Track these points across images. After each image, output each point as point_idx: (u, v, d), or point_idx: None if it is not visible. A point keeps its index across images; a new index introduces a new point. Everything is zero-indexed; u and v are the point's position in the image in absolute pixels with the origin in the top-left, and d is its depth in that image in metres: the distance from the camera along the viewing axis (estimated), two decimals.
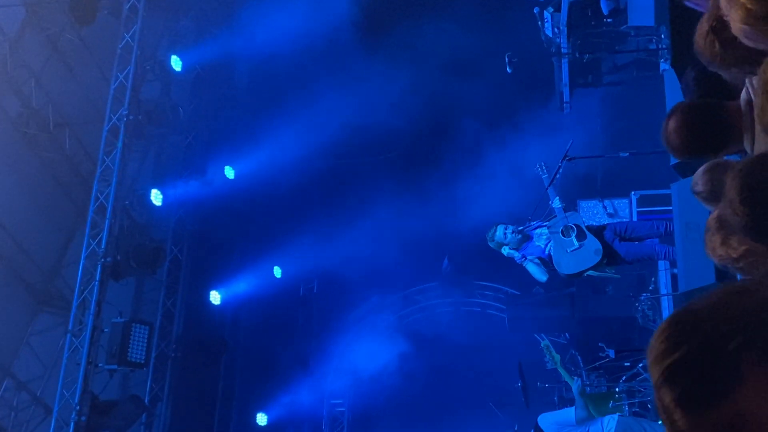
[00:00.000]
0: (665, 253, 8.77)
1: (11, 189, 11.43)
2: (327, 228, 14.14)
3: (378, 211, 13.45)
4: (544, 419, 8.53)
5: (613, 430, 8.22)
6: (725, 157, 4.08)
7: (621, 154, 9.85)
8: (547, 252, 9.07)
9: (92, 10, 11.83)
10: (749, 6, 2.53)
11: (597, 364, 10.93)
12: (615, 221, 10.70)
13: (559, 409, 10.04)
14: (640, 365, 10.88)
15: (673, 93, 7.26)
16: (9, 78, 11.53)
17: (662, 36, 11.42)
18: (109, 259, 11.71)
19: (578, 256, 8.85)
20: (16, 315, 12.17)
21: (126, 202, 12.62)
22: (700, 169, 4.16)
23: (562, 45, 12.20)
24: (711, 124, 3.58)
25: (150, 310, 13.95)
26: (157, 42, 13.74)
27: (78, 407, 11.12)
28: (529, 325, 12.56)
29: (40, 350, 12.43)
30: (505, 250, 9.26)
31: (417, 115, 13.94)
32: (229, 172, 14.35)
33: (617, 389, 10.50)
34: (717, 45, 3.07)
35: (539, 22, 12.24)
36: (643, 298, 10.75)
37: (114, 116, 12.21)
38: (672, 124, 3.63)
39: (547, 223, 9.10)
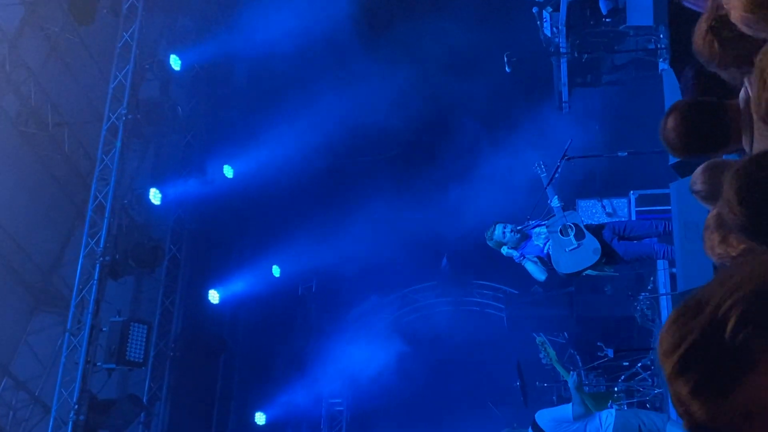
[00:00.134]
0: (664, 252, 8.77)
1: (10, 188, 11.41)
2: (326, 227, 14.13)
3: (377, 211, 13.45)
4: (542, 416, 8.52)
5: (612, 425, 8.22)
6: (724, 157, 4.08)
7: (620, 153, 9.84)
8: (545, 251, 9.07)
9: (91, 9, 11.82)
10: None
11: (596, 363, 10.94)
12: (614, 220, 10.71)
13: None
14: (639, 365, 10.89)
15: (672, 93, 7.26)
16: (8, 77, 11.51)
17: (661, 36, 11.43)
18: (107, 258, 11.70)
19: (577, 256, 8.85)
20: (15, 314, 12.16)
21: (125, 201, 12.62)
22: (699, 168, 4.17)
23: (560, 44, 12.21)
24: (710, 122, 3.58)
25: (148, 309, 13.95)
26: (156, 41, 13.74)
27: (76, 406, 11.12)
28: (527, 324, 12.55)
29: (38, 349, 12.42)
30: (504, 249, 9.26)
31: (416, 114, 13.95)
32: (228, 171, 14.35)
33: (616, 389, 10.52)
34: (716, 45, 3.08)
35: (538, 22, 12.25)
36: (641, 297, 10.75)
37: (113, 115, 12.21)
38: (671, 122, 3.63)
39: (545, 222, 9.09)
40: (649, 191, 11.07)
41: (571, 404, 8.45)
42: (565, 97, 12.65)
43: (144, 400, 13.08)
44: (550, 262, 9.03)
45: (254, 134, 14.20)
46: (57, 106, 12.32)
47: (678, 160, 6.98)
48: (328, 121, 13.68)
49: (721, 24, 3.05)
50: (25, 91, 11.89)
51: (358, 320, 15.09)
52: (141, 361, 12.02)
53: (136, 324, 11.92)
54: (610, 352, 10.66)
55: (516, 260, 9.31)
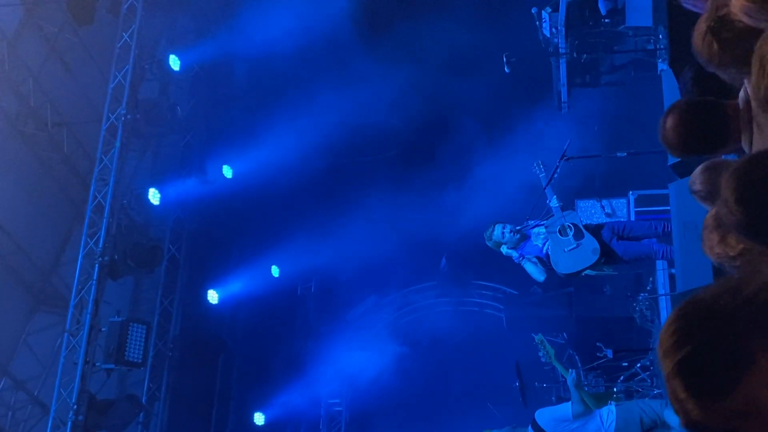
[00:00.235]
0: (663, 252, 8.77)
1: (9, 188, 11.41)
2: (325, 227, 14.13)
3: (376, 211, 13.46)
4: (542, 415, 8.52)
5: (614, 422, 8.23)
6: (723, 157, 4.08)
7: (619, 153, 9.85)
8: (544, 251, 9.07)
9: (90, 9, 11.82)
10: None
11: (595, 364, 10.95)
12: (613, 220, 10.72)
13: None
14: (638, 365, 10.89)
15: (671, 93, 7.26)
16: (7, 77, 11.51)
17: (660, 36, 11.44)
18: (106, 258, 11.70)
19: (576, 256, 8.85)
20: (14, 314, 12.15)
21: (124, 202, 12.61)
22: (698, 169, 4.17)
23: (560, 45, 12.21)
24: (709, 122, 3.58)
25: (147, 309, 13.94)
26: (155, 41, 13.73)
27: (75, 406, 11.12)
28: (527, 324, 12.54)
29: (37, 349, 12.41)
30: (504, 249, 9.26)
31: (415, 114, 13.96)
32: (228, 172, 14.34)
33: (615, 389, 10.51)
34: (715, 45, 3.08)
35: (537, 22, 12.25)
36: (641, 298, 10.75)
37: (112, 115, 12.21)
38: (670, 121, 3.63)
39: (544, 222, 9.10)
40: (648, 192, 11.08)
41: (570, 403, 8.45)
42: (564, 97, 12.65)
43: (143, 401, 13.07)
44: (549, 262, 9.03)
45: (253, 134, 14.20)
46: (56, 106, 12.32)
47: (677, 160, 6.99)
48: (327, 121, 13.69)
49: (720, 24, 3.05)
50: (25, 91, 11.89)
51: (357, 320, 15.09)
52: (140, 361, 12.01)
53: (135, 324, 11.92)
54: (610, 353, 10.68)
55: (515, 261, 9.31)
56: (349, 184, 14.57)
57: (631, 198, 11.18)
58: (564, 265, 8.95)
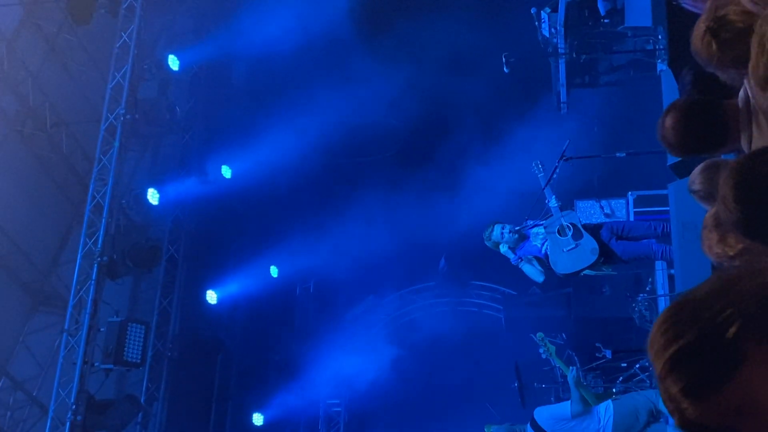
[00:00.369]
0: (662, 252, 8.77)
1: (8, 188, 11.41)
2: (324, 227, 14.13)
3: (375, 211, 13.46)
4: (540, 413, 8.53)
5: (612, 418, 8.24)
6: (722, 156, 4.09)
7: (618, 154, 9.84)
8: (543, 251, 9.07)
9: (89, 9, 11.81)
10: None
11: (594, 364, 10.95)
12: (612, 220, 10.71)
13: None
14: (637, 366, 10.89)
15: (670, 93, 7.26)
16: (6, 77, 11.51)
17: (659, 36, 11.43)
18: (105, 258, 11.69)
19: (575, 256, 8.85)
20: (12, 314, 12.15)
21: (123, 201, 12.61)
22: (697, 168, 4.17)
23: (559, 45, 12.21)
24: (708, 121, 3.58)
25: (146, 309, 13.93)
26: (154, 41, 13.73)
27: (74, 407, 11.10)
28: (525, 325, 12.53)
29: (36, 349, 12.41)
30: (502, 248, 9.25)
31: (414, 114, 13.95)
32: (227, 172, 14.34)
33: (614, 390, 10.51)
34: (714, 45, 3.08)
35: (536, 23, 12.25)
36: (640, 298, 10.76)
37: (111, 115, 12.20)
38: (669, 121, 3.63)
39: (543, 222, 9.09)
40: (647, 192, 11.08)
41: (569, 402, 8.45)
42: (563, 97, 12.65)
43: (141, 401, 13.05)
44: (548, 263, 9.03)
45: (252, 134, 14.20)
46: (55, 107, 12.32)
47: (676, 160, 7.00)
48: (326, 121, 13.70)
49: (719, 25, 3.05)
50: (23, 92, 11.89)
51: (356, 321, 15.08)
52: (139, 361, 12.01)
53: (134, 324, 11.91)
54: (609, 353, 10.68)
55: (513, 263, 9.30)
56: (347, 184, 14.57)
57: (630, 198, 11.19)
58: (563, 265, 8.94)
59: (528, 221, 9.17)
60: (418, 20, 13.90)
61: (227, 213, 14.47)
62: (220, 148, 14.42)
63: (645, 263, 9.96)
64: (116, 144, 12.07)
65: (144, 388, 13.50)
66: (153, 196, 12.95)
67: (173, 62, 13.48)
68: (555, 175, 8.98)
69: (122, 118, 12.16)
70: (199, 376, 14.36)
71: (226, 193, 14.15)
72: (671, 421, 8.08)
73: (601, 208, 11.47)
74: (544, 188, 9.04)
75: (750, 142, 3.47)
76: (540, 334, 10.01)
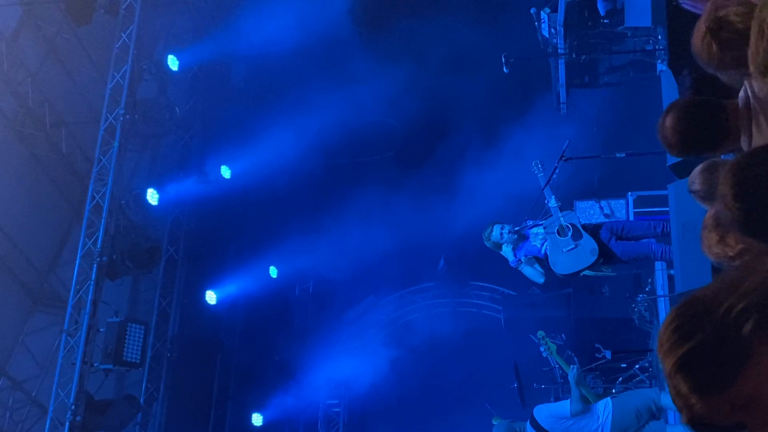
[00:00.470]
0: (662, 252, 8.75)
1: (7, 188, 11.40)
2: (323, 228, 14.13)
3: (374, 211, 13.45)
4: (540, 411, 8.54)
5: (611, 415, 8.24)
6: (722, 157, 4.08)
7: (618, 154, 9.83)
8: (543, 251, 9.06)
9: (89, 9, 11.80)
10: None
11: (594, 365, 10.94)
12: (611, 220, 10.70)
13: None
14: (637, 366, 10.89)
15: (670, 93, 7.26)
16: (5, 77, 11.51)
17: (659, 37, 11.43)
18: (104, 258, 11.69)
19: (574, 256, 8.84)
20: (12, 314, 12.14)
21: (122, 202, 12.60)
22: (697, 169, 4.17)
23: (558, 45, 12.20)
24: (708, 121, 3.58)
25: (146, 309, 13.94)
26: (153, 41, 13.73)
27: (73, 407, 11.10)
28: (525, 325, 12.55)
29: (35, 350, 12.40)
30: (506, 248, 9.21)
31: (413, 115, 13.96)
32: (226, 172, 14.33)
33: (614, 390, 10.51)
34: (714, 47, 3.07)
35: (536, 23, 12.24)
36: (639, 299, 10.76)
37: (110, 116, 12.20)
38: (669, 121, 3.63)
39: (543, 222, 9.08)
40: (646, 192, 11.08)
41: (569, 401, 8.46)
42: (563, 98, 12.65)
43: (141, 401, 13.05)
44: (548, 263, 9.02)
45: (252, 135, 14.19)
46: (54, 107, 12.32)
47: (676, 161, 6.99)
48: (325, 122, 13.67)
49: (719, 26, 3.05)
50: (23, 92, 11.88)
51: (355, 321, 15.09)
52: (138, 361, 12.00)
53: (133, 325, 11.91)
54: (608, 354, 10.67)
55: (512, 265, 9.29)
56: (347, 185, 14.56)
57: (630, 199, 11.18)
58: (562, 266, 8.93)
59: (528, 221, 9.16)
60: (417, 21, 13.90)
61: (226, 213, 14.47)
62: (220, 149, 14.41)
63: (644, 263, 9.95)
64: (116, 144, 12.07)
65: (143, 389, 13.51)
66: (152, 197, 12.95)
67: (173, 62, 13.48)
68: (555, 176, 8.96)
69: (122, 119, 12.15)
70: (199, 377, 14.36)
71: (225, 193, 14.15)
72: (671, 420, 8.09)
73: (601, 208, 11.47)
74: (543, 188, 9.03)
75: (750, 143, 3.47)
76: (541, 333, 10.03)
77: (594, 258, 8.77)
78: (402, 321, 15.20)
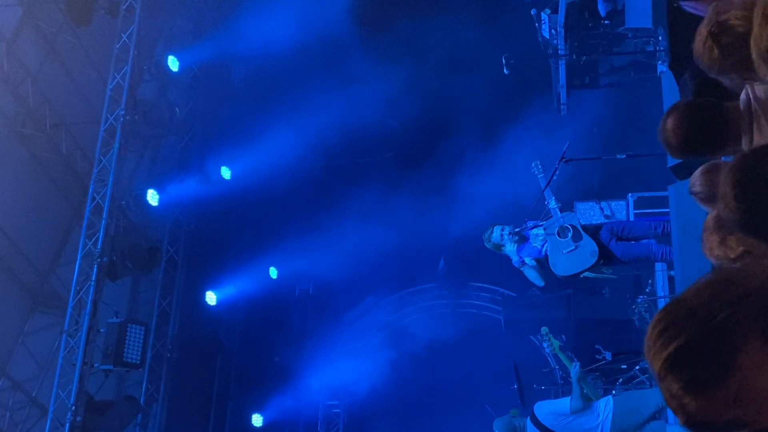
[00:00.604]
0: (662, 253, 8.75)
1: (7, 189, 11.40)
2: (323, 229, 14.12)
3: (374, 212, 13.44)
4: (540, 408, 8.54)
5: (611, 413, 8.24)
6: (723, 159, 4.08)
7: (618, 155, 9.83)
8: (543, 253, 9.06)
9: (89, 10, 11.81)
10: None
11: (594, 366, 10.93)
12: (612, 221, 10.69)
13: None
14: (637, 368, 10.89)
15: (671, 95, 7.25)
16: (5, 78, 11.51)
17: (660, 38, 11.43)
18: (105, 259, 11.69)
19: (574, 258, 8.83)
20: (12, 315, 12.14)
21: (122, 202, 12.61)
22: (698, 170, 4.17)
23: (559, 46, 12.20)
24: (709, 123, 3.58)
25: (146, 310, 13.94)
26: (154, 42, 13.73)
27: (73, 407, 11.10)
28: (525, 326, 12.55)
29: (35, 350, 12.41)
30: (510, 247, 9.20)
31: (414, 115, 13.96)
32: (226, 173, 14.33)
33: (614, 391, 10.51)
34: (716, 51, 3.07)
35: (536, 24, 12.24)
36: (639, 300, 10.76)
37: (111, 116, 12.20)
38: (670, 122, 3.63)
39: (543, 223, 9.08)
40: (647, 194, 11.07)
41: (570, 398, 8.46)
42: (563, 99, 12.64)
43: (141, 402, 13.06)
44: (548, 264, 9.02)
45: (252, 135, 14.19)
46: (55, 107, 12.32)
47: (677, 162, 6.98)
48: (325, 123, 13.67)
49: (720, 30, 3.05)
50: (23, 92, 11.88)
51: (355, 322, 15.08)
52: (138, 362, 12.01)
53: (134, 325, 11.91)
54: (608, 355, 10.67)
55: (515, 264, 9.29)
56: (347, 186, 14.56)
57: (631, 200, 11.17)
58: (562, 267, 8.93)
59: (528, 222, 9.15)
60: (417, 21, 13.90)
61: (227, 214, 14.47)
62: (220, 149, 14.42)
63: (645, 264, 9.95)
64: (116, 145, 12.07)
65: (143, 389, 13.51)
66: (153, 197, 12.95)
67: (173, 63, 13.48)
68: (555, 177, 8.96)
69: (122, 119, 12.15)
70: (199, 377, 14.35)
71: (225, 194, 14.15)
72: (671, 419, 8.09)
73: (601, 209, 11.46)
74: (543, 190, 9.03)
75: (751, 145, 3.47)
76: (544, 329, 10.05)
77: (594, 260, 8.76)
78: (402, 322, 15.20)
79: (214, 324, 14.46)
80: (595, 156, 10.57)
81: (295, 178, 14.27)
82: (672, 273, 9.44)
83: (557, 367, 11.67)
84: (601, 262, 8.89)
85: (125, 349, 11.70)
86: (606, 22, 12.05)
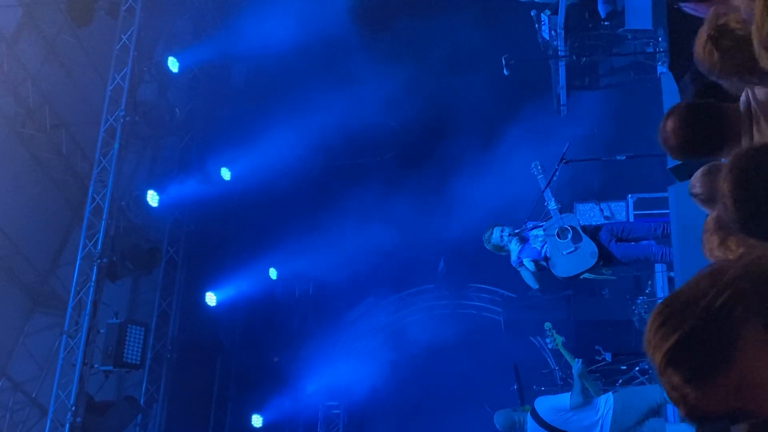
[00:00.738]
0: (662, 254, 8.75)
1: (7, 189, 11.40)
2: (323, 229, 14.13)
3: (374, 213, 13.45)
4: (541, 403, 8.56)
5: (611, 409, 8.25)
6: (723, 160, 4.08)
7: (618, 157, 9.83)
8: (543, 254, 9.06)
9: (89, 10, 11.81)
10: None
11: (593, 367, 10.94)
12: (612, 222, 10.69)
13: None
14: (637, 369, 10.89)
15: (671, 96, 7.26)
16: (5, 78, 11.51)
17: (659, 39, 11.44)
18: (105, 259, 11.69)
19: (574, 259, 8.84)
20: (12, 315, 12.14)
21: (122, 203, 12.60)
22: (699, 172, 4.17)
23: (559, 47, 12.21)
24: (709, 124, 3.59)
25: (146, 311, 13.93)
26: (154, 43, 13.72)
27: (73, 408, 11.10)
28: (525, 327, 12.55)
29: (35, 351, 12.41)
30: (513, 246, 9.20)
31: (414, 116, 13.96)
32: (226, 174, 14.33)
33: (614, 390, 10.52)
34: (716, 54, 3.08)
35: (536, 25, 12.25)
36: (639, 301, 10.76)
37: (111, 117, 12.19)
38: (670, 124, 3.64)
39: (543, 224, 9.08)
40: (647, 195, 11.07)
41: (570, 393, 8.47)
42: (563, 100, 12.65)
43: (141, 402, 13.05)
44: (548, 265, 9.02)
45: (252, 136, 14.19)
46: (55, 108, 12.32)
47: (676, 163, 6.98)
48: (325, 123, 13.68)
49: (720, 33, 3.05)
50: (23, 93, 11.88)
51: (355, 323, 15.08)
52: (138, 363, 12.00)
53: (134, 326, 11.91)
54: (608, 356, 10.67)
55: (513, 264, 9.28)
56: (347, 186, 14.56)
57: (630, 201, 11.18)
58: (562, 268, 8.93)
59: (528, 223, 9.16)
60: (418, 22, 13.90)
61: (227, 215, 14.47)
62: (220, 150, 14.41)
63: (645, 265, 9.95)
64: (116, 146, 12.06)
65: (143, 390, 13.51)
66: (153, 198, 12.95)
67: (173, 64, 13.48)
68: (555, 178, 8.96)
69: (122, 120, 12.15)
70: (199, 378, 14.35)
71: (225, 195, 14.15)
72: (671, 418, 8.09)
73: (601, 210, 11.46)
74: (543, 190, 9.03)
75: None
76: (548, 324, 10.05)
77: (594, 261, 8.76)
78: (402, 323, 15.20)
79: (214, 325, 14.46)
80: (595, 157, 10.57)
81: (295, 179, 14.28)
82: (672, 274, 9.44)
83: (557, 368, 11.68)
84: (601, 263, 8.89)
85: (125, 350, 11.69)
86: (606, 23, 12.06)
